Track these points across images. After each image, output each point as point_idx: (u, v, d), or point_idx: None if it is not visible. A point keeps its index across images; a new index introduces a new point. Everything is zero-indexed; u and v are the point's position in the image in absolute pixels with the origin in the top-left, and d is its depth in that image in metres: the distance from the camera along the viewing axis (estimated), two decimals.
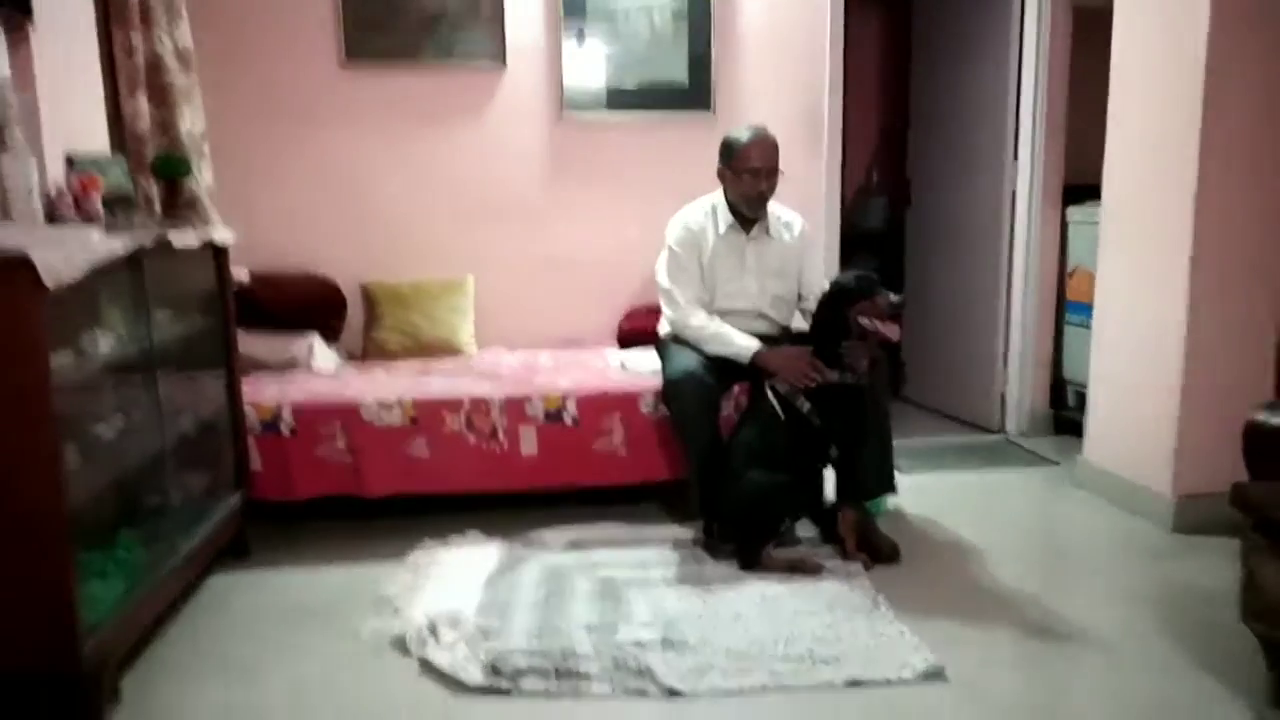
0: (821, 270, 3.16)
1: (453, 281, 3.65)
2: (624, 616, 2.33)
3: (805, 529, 2.86)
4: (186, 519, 2.47)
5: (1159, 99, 2.94)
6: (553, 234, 3.79)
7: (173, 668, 2.18)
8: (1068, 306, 3.91)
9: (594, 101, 3.73)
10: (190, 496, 2.55)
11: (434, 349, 3.52)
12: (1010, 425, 4.06)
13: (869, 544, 2.69)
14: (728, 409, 2.94)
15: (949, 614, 2.36)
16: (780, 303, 3.06)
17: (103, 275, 2.00)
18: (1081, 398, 3.53)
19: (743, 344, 2.83)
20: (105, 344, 2.13)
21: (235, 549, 2.75)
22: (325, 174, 3.64)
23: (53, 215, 2.23)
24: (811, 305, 2.97)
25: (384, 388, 3.03)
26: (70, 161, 2.48)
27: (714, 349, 2.86)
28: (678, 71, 3.75)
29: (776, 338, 2.96)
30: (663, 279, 3.02)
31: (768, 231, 3.01)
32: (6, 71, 2.30)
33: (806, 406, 2.61)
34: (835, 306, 2.64)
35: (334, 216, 3.66)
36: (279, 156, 3.60)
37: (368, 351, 3.55)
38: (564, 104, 3.71)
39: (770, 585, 2.49)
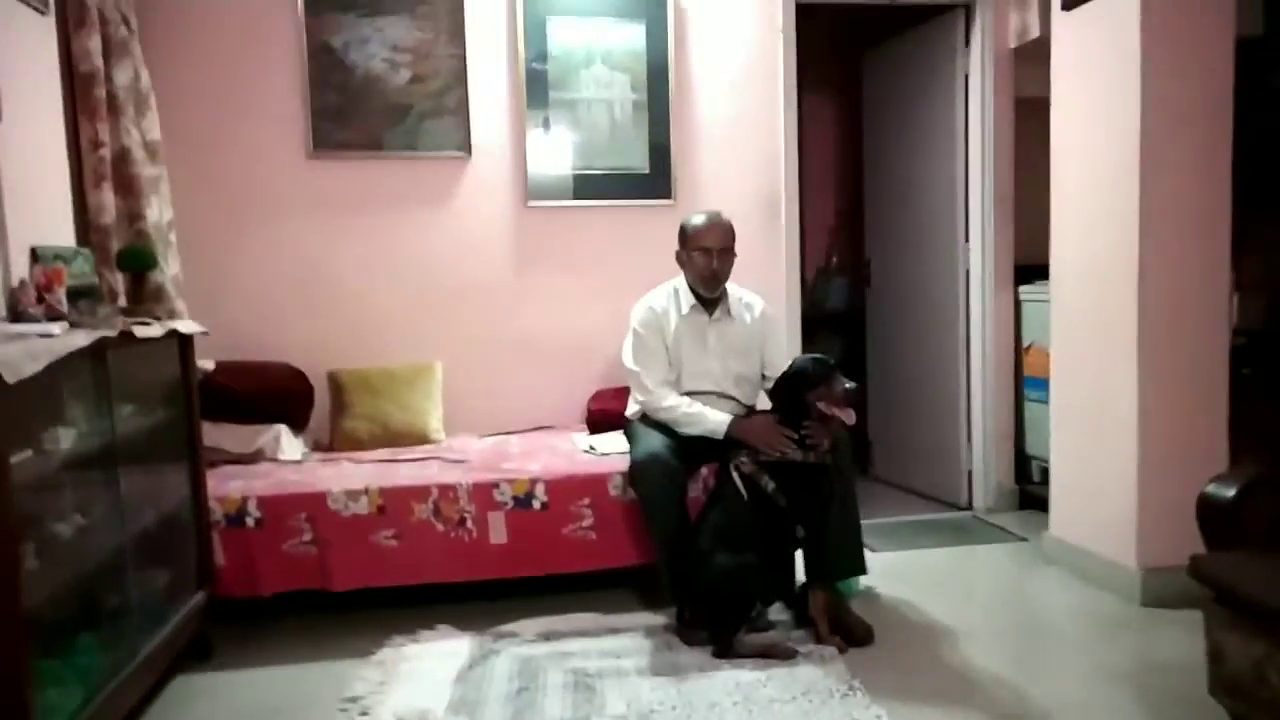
0: (784, 350, 3.22)
1: (421, 368, 3.65)
2: (597, 709, 2.30)
3: (779, 613, 2.84)
4: (147, 620, 2.40)
5: (1097, 179, 3.08)
6: (519, 320, 3.83)
7: None
8: (1025, 382, 4.01)
9: (558, 190, 3.81)
10: (151, 596, 2.47)
11: (403, 437, 3.49)
12: (978, 501, 4.10)
13: (842, 626, 2.69)
14: (696, 490, 2.95)
15: (925, 697, 2.35)
16: (744, 382, 3.10)
17: (65, 369, 1.98)
18: (1045, 472, 3.59)
19: (716, 420, 2.86)
20: (66, 439, 2.10)
21: (198, 650, 2.67)
22: (293, 263, 3.66)
23: (15, 309, 2.21)
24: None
25: (351, 477, 2.99)
26: (34, 254, 2.47)
27: (688, 429, 2.89)
28: (639, 161, 3.85)
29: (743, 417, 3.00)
30: (629, 362, 3.06)
31: (729, 313, 3.07)
32: None
33: (771, 486, 2.63)
34: (793, 390, 2.70)
35: (301, 305, 3.66)
36: (247, 246, 3.62)
37: (335, 440, 3.52)
38: (528, 192, 3.78)
39: (745, 672, 2.47)
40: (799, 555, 2.79)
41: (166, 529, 2.60)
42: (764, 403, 3.11)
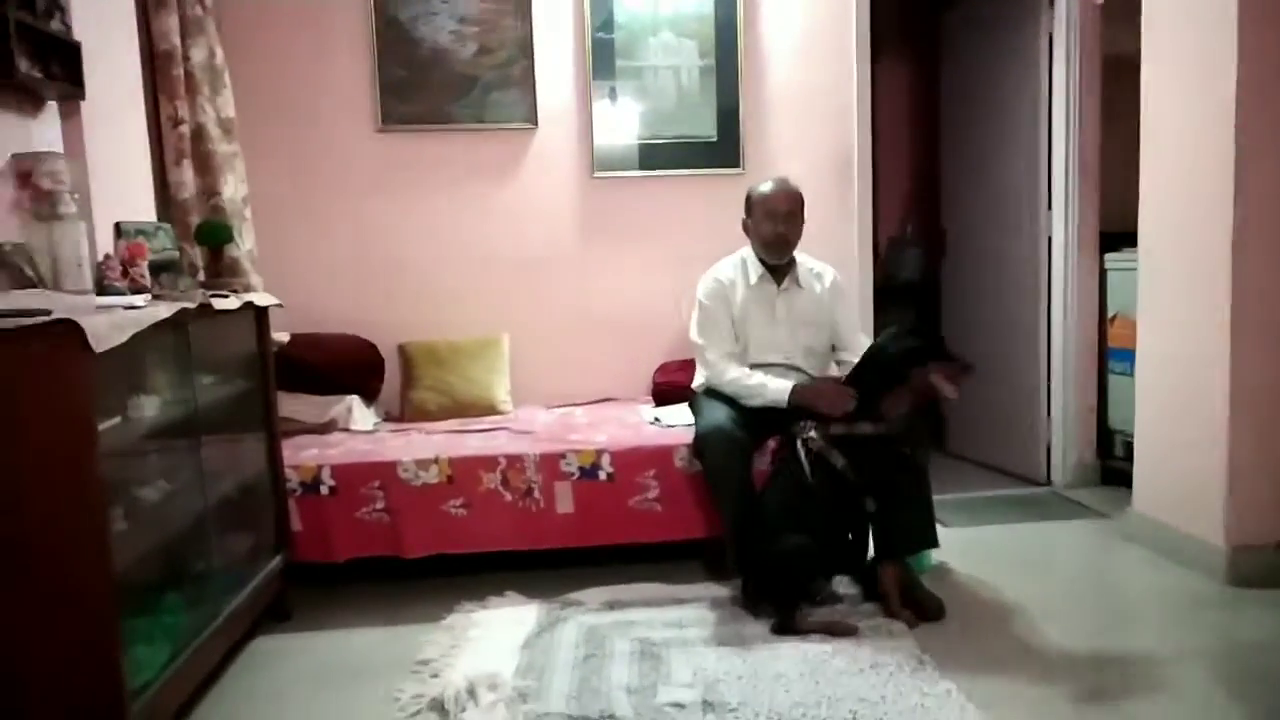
0: (856, 321, 3.15)
1: (488, 340, 3.69)
2: (663, 678, 2.30)
3: (847, 586, 2.80)
4: (229, 582, 2.48)
5: (1191, 143, 2.92)
6: (586, 291, 3.83)
7: None
8: (1110, 354, 3.85)
9: (625, 160, 3.79)
10: (233, 559, 2.57)
11: (470, 408, 3.54)
12: (1056, 477, 3.98)
13: (913, 601, 2.63)
14: (762, 463, 2.92)
15: (997, 672, 2.29)
16: (812, 354, 3.04)
17: (148, 340, 2.04)
18: (1129, 447, 3.45)
19: (777, 388, 2.82)
20: (150, 408, 2.17)
21: (277, 611, 2.76)
22: (362, 236, 3.72)
23: (101, 282, 2.29)
24: (849, 357, 2.96)
25: (420, 447, 3.05)
26: (118, 229, 2.56)
27: (751, 401, 2.85)
28: (707, 128, 3.80)
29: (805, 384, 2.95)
30: (694, 335, 3.03)
31: (798, 282, 3.02)
32: (59, 144, 2.40)
33: (841, 463, 2.58)
34: (904, 364, 2.57)
35: (371, 278, 3.73)
36: (317, 220, 3.69)
37: (405, 412, 3.59)
38: (595, 163, 3.77)
39: (811, 645, 2.44)
40: (870, 529, 2.74)
41: (246, 496, 2.68)
42: (834, 374, 3.07)
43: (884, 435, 2.59)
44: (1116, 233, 3.74)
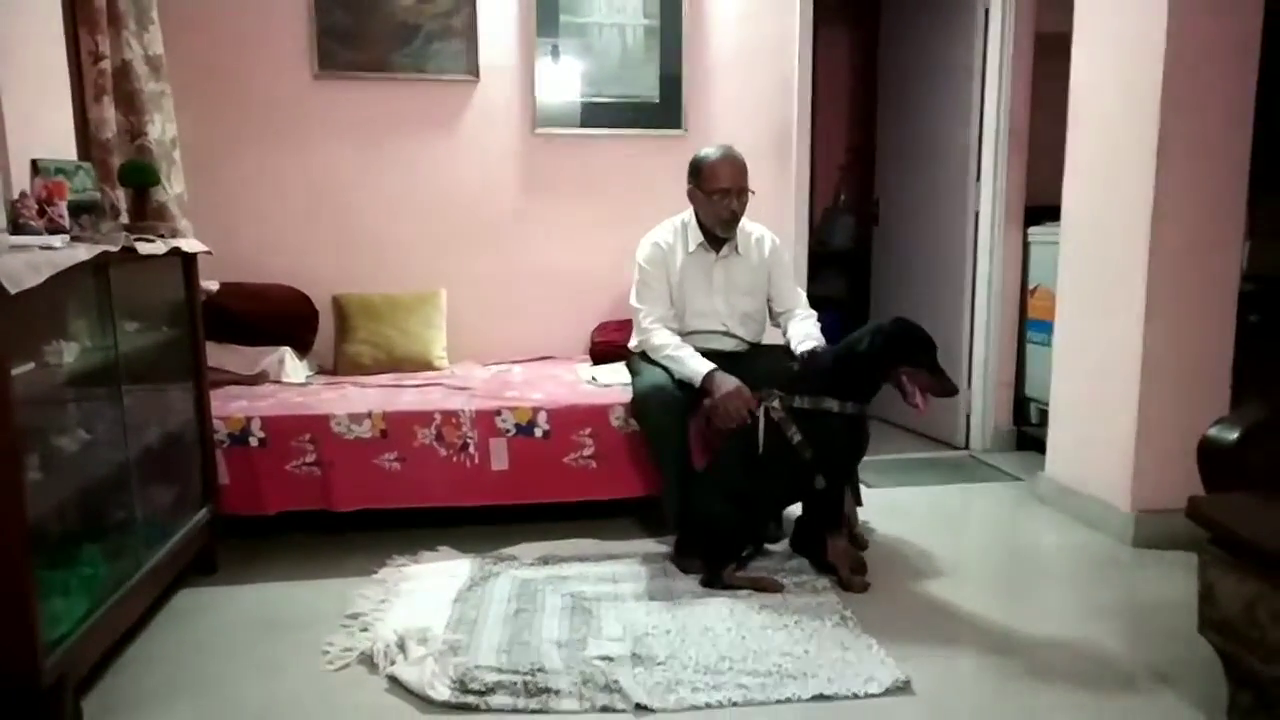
0: (792, 283, 3.17)
1: (425, 295, 3.64)
2: (594, 631, 2.33)
3: (773, 543, 2.88)
4: (152, 534, 2.43)
5: (1117, 122, 3.02)
6: (525, 248, 3.80)
7: (137, 687, 2.14)
8: (1029, 325, 3.99)
9: (567, 117, 3.75)
10: (156, 511, 2.51)
11: (406, 363, 3.50)
12: (975, 442, 4.12)
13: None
14: (696, 425, 2.96)
15: (916, 629, 2.38)
16: (749, 320, 3.08)
17: (67, 283, 1.97)
18: (1044, 414, 3.60)
19: (694, 367, 2.82)
20: (69, 354, 2.10)
21: (202, 565, 2.71)
22: (298, 185, 3.62)
23: (16, 222, 2.19)
24: (790, 321, 3.00)
25: (354, 401, 3.01)
26: (35, 167, 2.44)
27: (674, 370, 2.87)
28: (649, 89, 3.78)
29: (743, 354, 2.98)
30: (632, 298, 3.04)
31: (737, 250, 3.03)
32: None
33: (797, 438, 2.55)
34: (887, 356, 2.53)
35: (306, 228, 3.64)
36: (252, 166, 3.58)
37: (339, 365, 3.53)
38: (536, 119, 3.72)
39: (738, 600, 2.50)
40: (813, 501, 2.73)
41: (171, 446, 2.62)
42: (772, 339, 3.11)
43: (849, 414, 2.56)
44: (1040, 206, 3.85)
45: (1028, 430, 4.05)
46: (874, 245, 4.80)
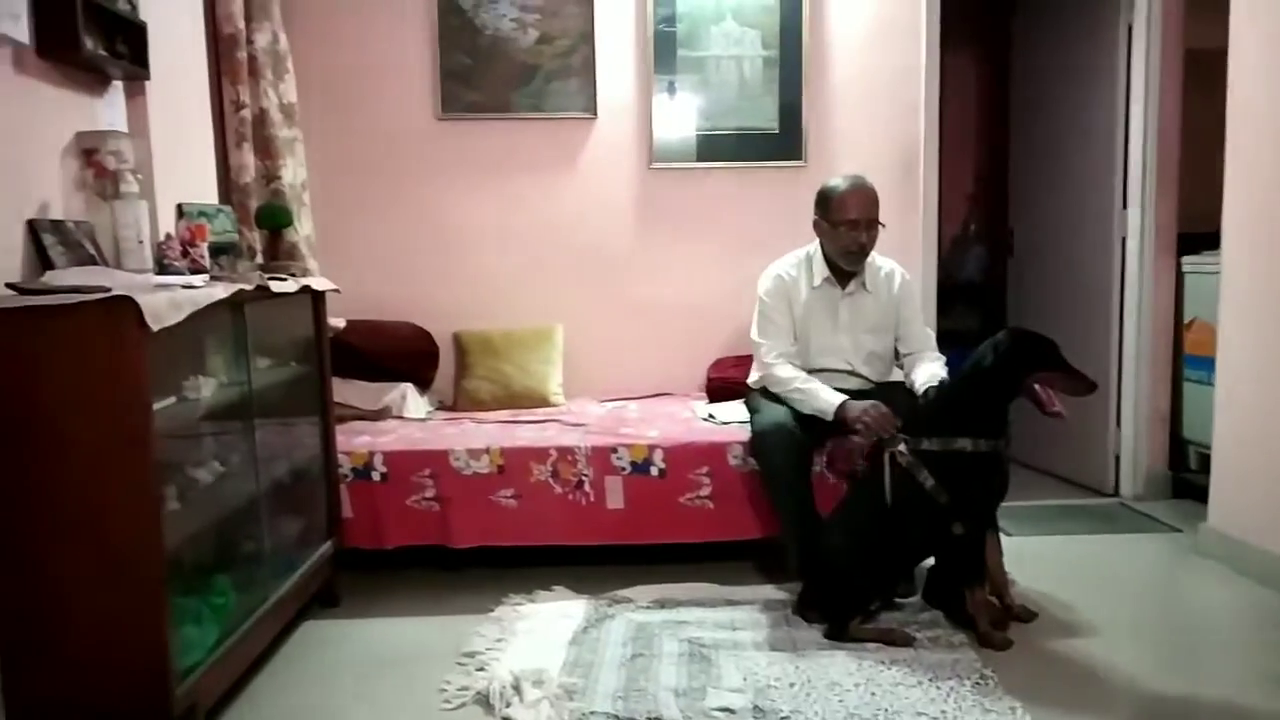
0: (922, 321, 3.02)
1: (542, 331, 3.66)
2: (713, 680, 2.24)
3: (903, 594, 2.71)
4: (280, 566, 2.48)
5: (1278, 138, 2.77)
6: (641, 284, 3.78)
7: (261, 717, 2.16)
8: (1186, 361, 3.69)
9: (683, 151, 3.73)
10: (283, 543, 2.56)
11: (523, 398, 3.51)
12: (1126, 488, 3.82)
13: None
14: (819, 464, 2.84)
15: (1064, 693, 2.18)
16: (875, 359, 2.93)
17: (205, 321, 2.04)
18: (1204, 459, 3.30)
19: (826, 399, 2.69)
20: (206, 389, 2.17)
21: (326, 597, 2.76)
22: (420, 224, 3.71)
23: (161, 262, 2.30)
24: (917, 364, 2.85)
25: (473, 436, 3.03)
26: (180, 210, 2.57)
27: (801, 406, 2.75)
28: (768, 120, 3.72)
29: (869, 394, 2.84)
30: (754, 332, 2.93)
31: (865, 286, 2.89)
32: (123, 123, 2.41)
33: (930, 483, 2.38)
34: (1015, 365, 2.38)
35: (428, 266, 3.72)
36: (376, 207, 3.69)
37: (458, 400, 3.57)
38: (653, 154, 3.71)
39: (867, 654, 2.36)
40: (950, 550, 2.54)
41: (298, 480, 2.68)
42: (896, 377, 2.97)
43: (984, 452, 2.39)
44: (1195, 234, 3.58)
45: (1186, 476, 3.73)
46: (1009, 276, 4.56)
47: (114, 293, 1.77)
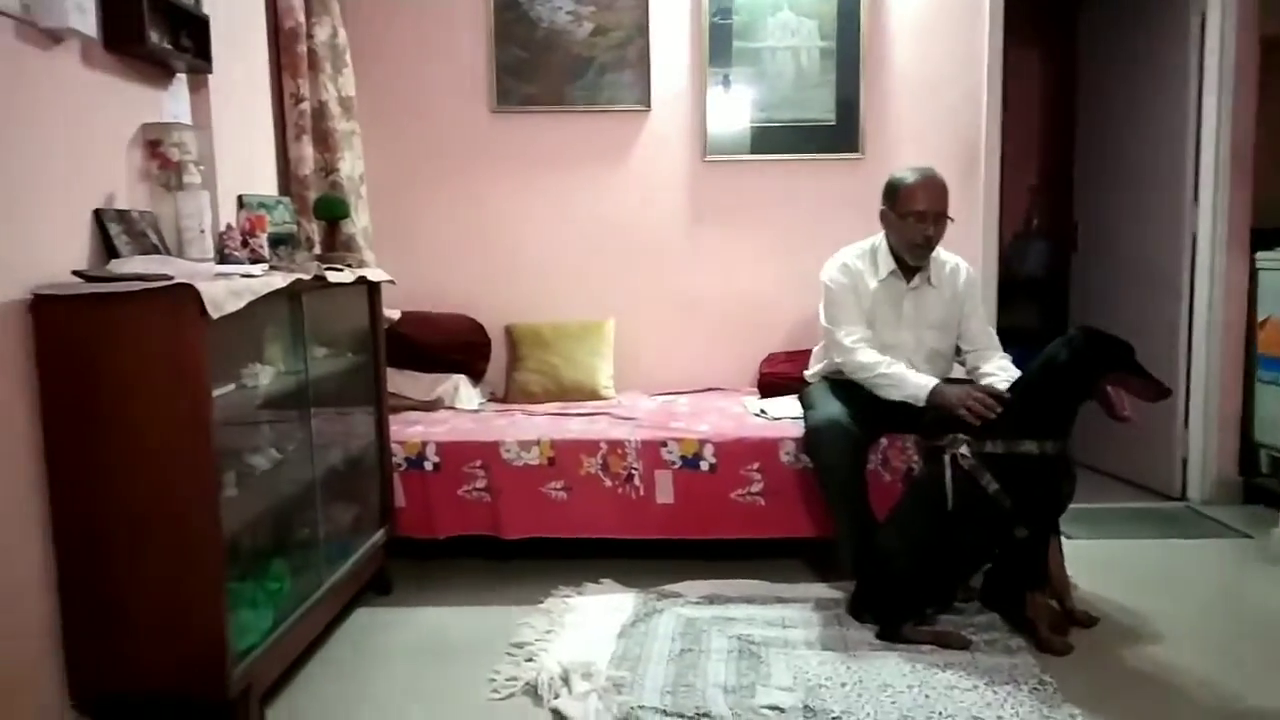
0: (984, 320, 2.94)
1: (593, 324, 3.65)
2: (762, 678, 2.21)
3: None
4: (334, 553, 2.52)
5: None
6: (693, 277, 3.75)
7: (316, 702, 2.19)
8: (1259, 361, 3.55)
9: (737, 143, 3.69)
10: (338, 530, 2.60)
11: (573, 391, 3.51)
12: (1193, 492, 3.69)
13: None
14: (874, 462, 2.79)
15: (1126, 700, 2.11)
16: (937, 357, 2.85)
17: (263, 310, 2.07)
18: (1277, 463, 3.17)
19: (918, 383, 2.59)
20: (264, 377, 2.21)
21: (378, 585, 2.79)
22: (474, 216, 3.73)
23: (222, 251, 2.34)
24: (981, 363, 2.77)
25: (523, 428, 3.03)
26: (240, 201, 2.61)
27: (887, 393, 2.65)
28: (824, 112, 3.66)
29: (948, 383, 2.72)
30: (823, 319, 2.86)
31: (929, 281, 2.82)
32: (187, 115, 2.46)
33: (994, 487, 2.32)
34: (1090, 365, 2.31)
35: (481, 258, 3.73)
36: (430, 200, 3.72)
37: (509, 393, 3.59)
38: (707, 146, 3.68)
39: (920, 655, 2.31)
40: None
41: (352, 468, 2.71)
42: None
43: (1050, 455, 2.32)
44: (1270, 229, 3.44)
45: (1258, 481, 3.59)
46: (1072, 272, 4.44)
47: (176, 281, 1.81)
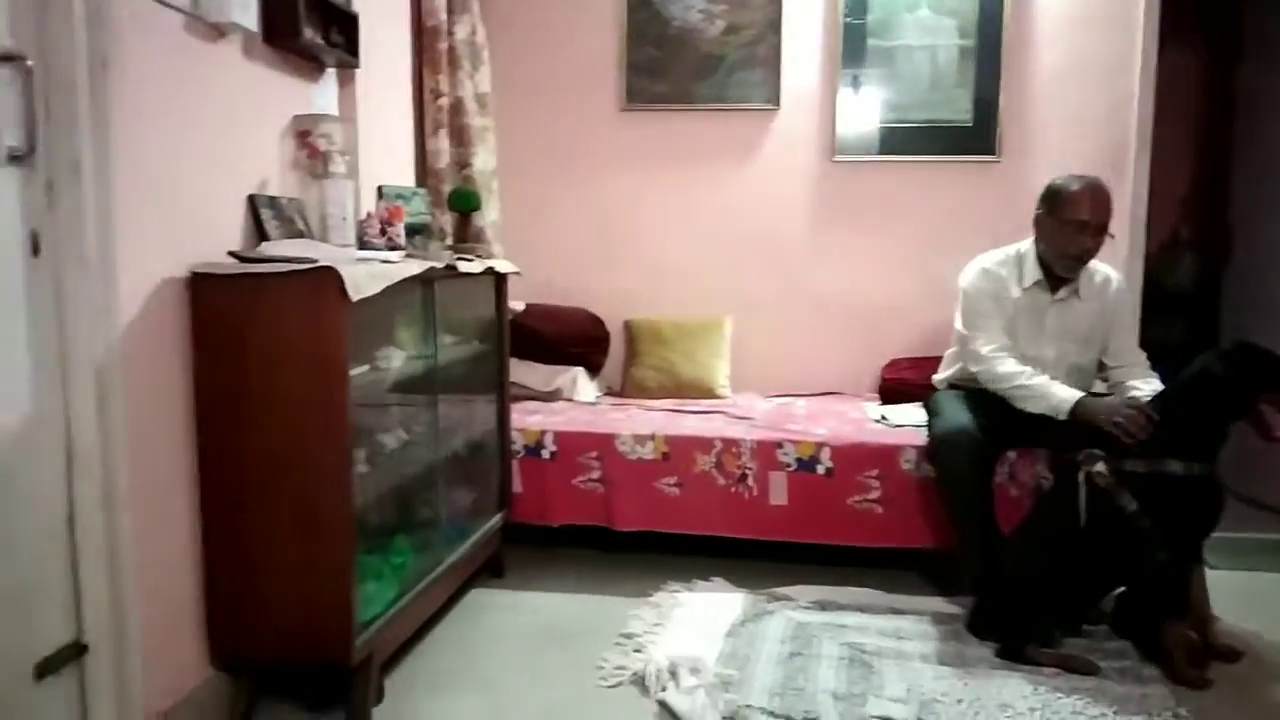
0: (1132, 335, 2.78)
1: (711, 322, 3.65)
2: (874, 688, 2.16)
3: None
4: (453, 533, 2.59)
5: None
6: (815, 279, 3.69)
7: (431, 674, 2.27)
8: None
9: (867, 144, 3.61)
10: (457, 512, 2.68)
11: (689, 389, 3.51)
12: None
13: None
14: (1001, 475, 2.69)
15: None
16: (1078, 373, 2.70)
17: (398, 296, 2.15)
18: None
19: (1062, 395, 2.46)
20: (396, 359, 2.29)
21: (493, 567, 2.86)
22: (598, 212, 3.78)
23: (362, 239, 2.44)
24: (1126, 380, 2.63)
25: (639, 422, 3.05)
26: (380, 192, 2.72)
27: (1026, 405, 2.53)
28: (960, 113, 3.54)
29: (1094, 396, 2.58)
30: (960, 324, 2.76)
31: (1078, 293, 2.67)
32: (334, 108, 2.58)
33: (1132, 507, 2.20)
34: (1249, 382, 2.17)
35: (604, 254, 3.78)
36: (557, 195, 3.79)
37: (626, 387, 3.62)
38: (836, 146, 3.62)
39: (1044, 678, 2.21)
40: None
41: (473, 453, 2.80)
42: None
43: (1195, 476, 2.19)
44: None
45: None
46: (1224, 285, 4.16)
47: (320, 263, 1.90)
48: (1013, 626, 2.33)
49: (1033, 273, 2.67)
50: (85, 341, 1.66)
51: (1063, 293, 2.67)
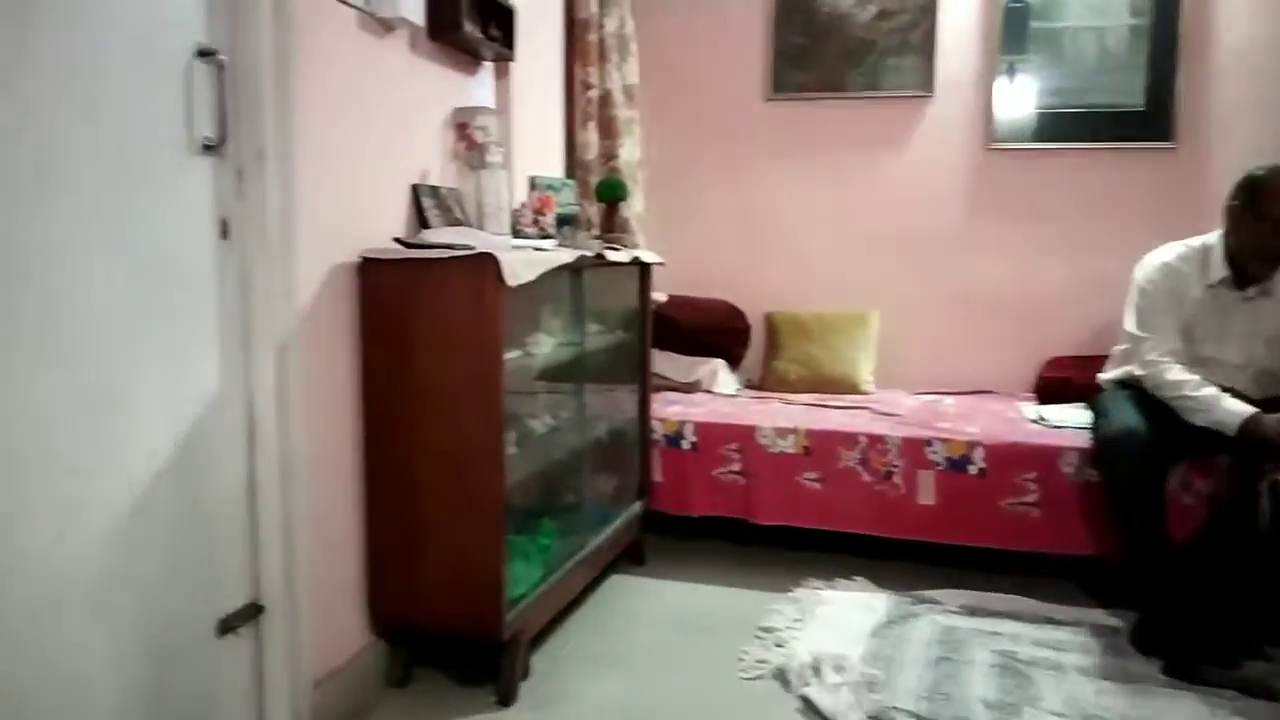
0: None
1: (856, 316, 3.56)
2: (1029, 700, 2.06)
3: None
4: (596, 518, 2.63)
5: None
6: (968, 272, 3.55)
7: (574, 654, 2.31)
8: None
9: (1026, 130, 3.45)
10: (600, 498, 2.72)
11: (832, 383, 3.44)
12: None
13: None
14: (1174, 482, 2.50)
15: None
16: (1265, 378, 2.49)
17: (549, 284, 2.20)
18: None
19: (1231, 409, 2.28)
20: (545, 346, 2.34)
21: (633, 554, 2.89)
22: (743, 204, 3.75)
23: (515, 227, 2.51)
24: None
25: (780, 415, 3.01)
26: (533, 182, 2.78)
27: (1192, 416, 2.37)
28: (1132, 97, 3.33)
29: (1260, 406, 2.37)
30: (1130, 324, 2.58)
31: (1269, 292, 2.46)
32: (491, 101, 2.65)
33: None
34: None
35: (747, 245, 3.75)
36: (701, 186, 3.78)
37: (766, 380, 3.58)
38: (993, 133, 3.47)
39: (1221, 701, 2.05)
40: None
41: (616, 441, 2.83)
42: None
43: None
44: None
45: None
46: None
47: (479, 250, 1.95)
48: (1185, 643, 2.18)
49: (1219, 269, 2.46)
50: (267, 322, 1.77)
51: (1252, 291, 2.46)
